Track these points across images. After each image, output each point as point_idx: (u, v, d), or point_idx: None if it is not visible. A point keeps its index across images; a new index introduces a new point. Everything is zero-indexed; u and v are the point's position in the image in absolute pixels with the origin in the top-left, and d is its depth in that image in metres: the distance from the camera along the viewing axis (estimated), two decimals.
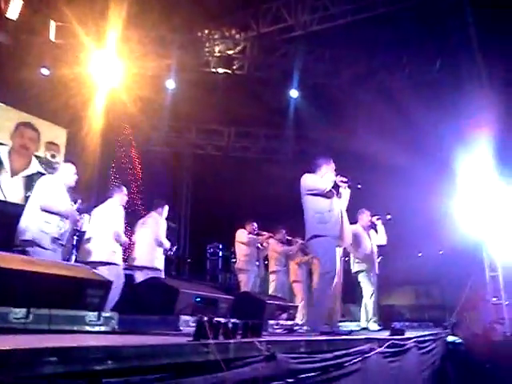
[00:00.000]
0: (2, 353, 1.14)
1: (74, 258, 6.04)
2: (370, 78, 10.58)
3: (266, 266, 8.28)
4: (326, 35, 9.62)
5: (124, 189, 6.02)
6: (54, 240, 4.77)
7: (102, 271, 4.85)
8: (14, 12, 8.15)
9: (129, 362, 1.58)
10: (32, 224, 4.69)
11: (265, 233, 7.89)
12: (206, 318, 2.05)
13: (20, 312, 2.54)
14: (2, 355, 1.14)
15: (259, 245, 7.92)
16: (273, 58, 10.33)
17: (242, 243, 7.83)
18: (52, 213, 4.74)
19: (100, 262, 5.35)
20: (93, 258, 5.38)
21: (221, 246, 8.88)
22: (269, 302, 4.76)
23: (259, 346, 2.25)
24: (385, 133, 10.16)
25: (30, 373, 1.20)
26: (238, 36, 10.10)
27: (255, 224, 8.00)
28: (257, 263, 7.88)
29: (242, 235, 7.88)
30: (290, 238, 8.14)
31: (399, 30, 9.26)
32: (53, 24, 8.97)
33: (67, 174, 5.06)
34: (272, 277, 8.11)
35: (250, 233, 7.88)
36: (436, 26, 9.10)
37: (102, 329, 2.99)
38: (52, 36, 9.02)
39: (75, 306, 2.93)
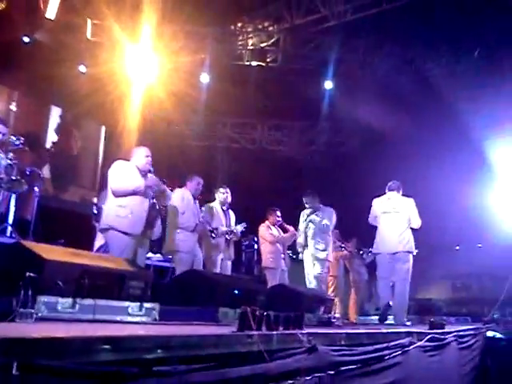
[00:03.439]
0: (62, 340, 1.20)
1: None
2: (406, 67, 10.38)
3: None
4: (360, 25, 9.49)
5: (196, 179, 5.92)
6: (134, 224, 4.59)
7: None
8: (52, 11, 8.34)
9: (177, 351, 1.62)
10: (108, 211, 4.68)
11: (289, 227, 7.33)
12: (249, 310, 2.07)
13: (66, 302, 2.62)
14: (62, 343, 1.19)
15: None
16: (306, 50, 10.24)
17: (266, 241, 7.31)
18: (124, 194, 4.61)
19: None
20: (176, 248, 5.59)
21: (256, 239, 8.88)
22: (306, 294, 4.76)
23: (301, 338, 2.26)
24: (421, 123, 9.98)
25: (87, 359, 1.24)
26: (271, 28, 10.06)
27: (278, 213, 7.39)
28: (282, 256, 7.32)
29: (265, 232, 7.32)
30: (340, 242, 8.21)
31: (436, 18, 9.05)
32: (89, 22, 9.15)
33: (138, 157, 4.90)
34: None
35: (273, 224, 7.35)
36: (475, 13, 8.84)
37: (144, 319, 3.06)
38: (88, 34, 9.21)
39: (118, 296, 3.01)
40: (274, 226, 7.38)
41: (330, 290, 8.21)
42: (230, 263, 6.36)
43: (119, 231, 4.54)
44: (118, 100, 9.52)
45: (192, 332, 1.93)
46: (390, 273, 6.07)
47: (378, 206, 6.27)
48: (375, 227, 6.39)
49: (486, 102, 8.74)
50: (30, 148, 5.92)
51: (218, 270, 5.95)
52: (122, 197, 4.62)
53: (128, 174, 4.73)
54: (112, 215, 4.62)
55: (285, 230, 7.39)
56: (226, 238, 6.18)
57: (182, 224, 5.62)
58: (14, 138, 4.90)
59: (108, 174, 4.81)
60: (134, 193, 4.63)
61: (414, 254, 6.03)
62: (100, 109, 9.69)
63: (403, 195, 6.25)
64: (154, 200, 4.84)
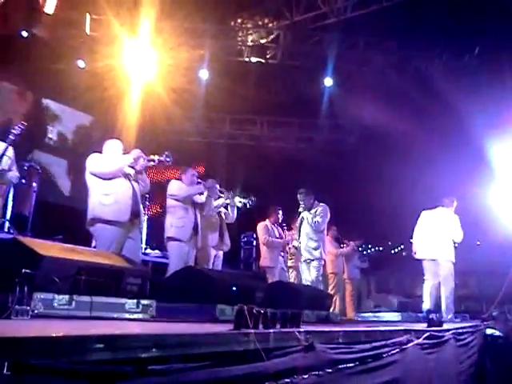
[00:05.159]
0: (55, 339, 1.18)
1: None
2: (405, 65, 10.34)
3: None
4: (359, 22, 9.46)
5: (189, 171, 5.84)
6: (119, 211, 4.34)
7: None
8: (50, 6, 8.30)
9: (172, 350, 1.60)
10: (91, 201, 4.39)
11: (285, 232, 7.28)
12: (245, 308, 2.06)
13: (63, 299, 2.60)
14: (55, 342, 1.18)
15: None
16: (306, 46, 10.20)
17: (264, 244, 7.21)
18: (104, 177, 4.38)
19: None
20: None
21: (255, 235, 8.86)
22: (304, 291, 4.75)
23: (298, 336, 2.25)
24: (420, 121, 9.96)
25: (80, 358, 1.23)
26: (271, 25, 10.06)
27: (280, 212, 7.31)
28: (282, 254, 7.29)
29: (260, 232, 7.25)
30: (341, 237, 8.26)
31: (436, 15, 9.02)
32: (88, 17, 9.11)
33: (110, 150, 4.68)
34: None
35: (275, 222, 7.31)
36: (475, 10, 8.81)
37: (141, 316, 3.05)
38: (87, 29, 9.16)
39: (115, 293, 3.00)
40: (274, 224, 7.35)
41: (331, 286, 8.20)
42: (221, 254, 6.21)
43: (104, 221, 4.32)
44: (116, 95, 9.48)
45: (187, 330, 1.91)
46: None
47: (424, 217, 6.98)
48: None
49: (485, 100, 8.71)
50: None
51: (210, 262, 5.92)
52: (106, 179, 4.40)
53: (104, 157, 4.58)
54: (96, 205, 4.37)
55: (283, 230, 7.40)
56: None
57: (178, 211, 5.56)
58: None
59: (86, 165, 4.53)
60: (119, 171, 4.45)
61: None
62: (99, 104, 9.64)
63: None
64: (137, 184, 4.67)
